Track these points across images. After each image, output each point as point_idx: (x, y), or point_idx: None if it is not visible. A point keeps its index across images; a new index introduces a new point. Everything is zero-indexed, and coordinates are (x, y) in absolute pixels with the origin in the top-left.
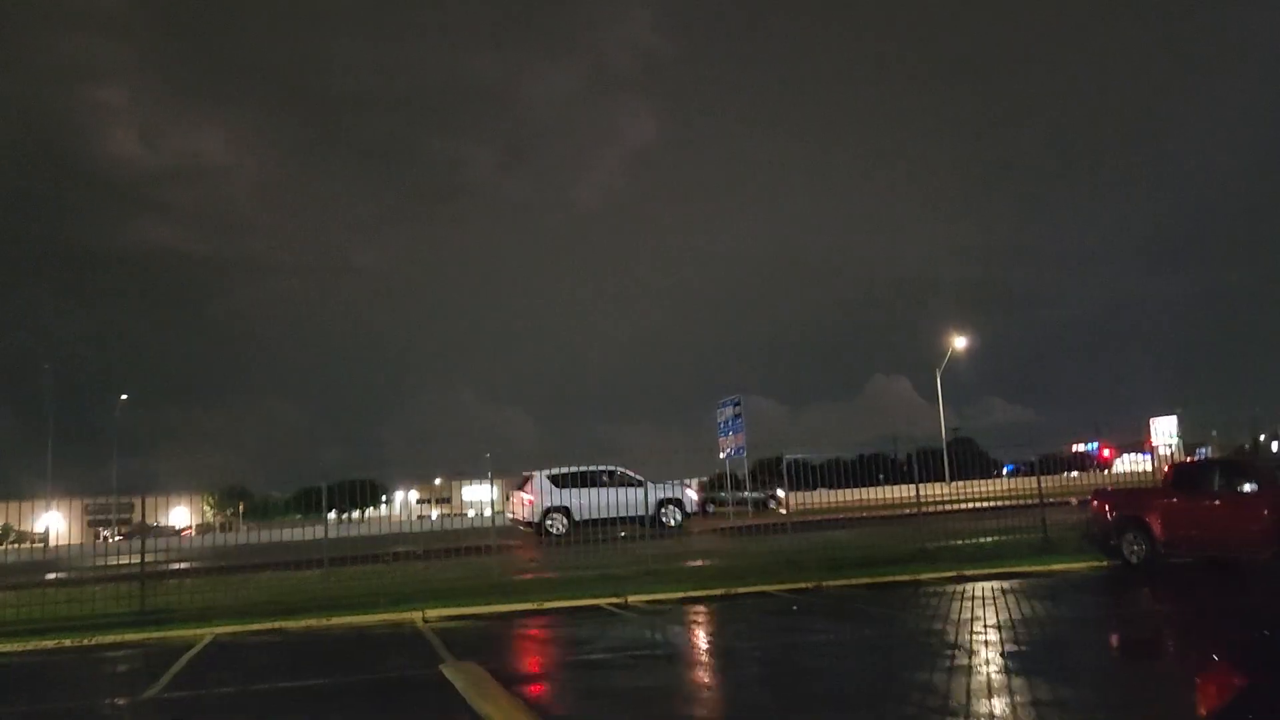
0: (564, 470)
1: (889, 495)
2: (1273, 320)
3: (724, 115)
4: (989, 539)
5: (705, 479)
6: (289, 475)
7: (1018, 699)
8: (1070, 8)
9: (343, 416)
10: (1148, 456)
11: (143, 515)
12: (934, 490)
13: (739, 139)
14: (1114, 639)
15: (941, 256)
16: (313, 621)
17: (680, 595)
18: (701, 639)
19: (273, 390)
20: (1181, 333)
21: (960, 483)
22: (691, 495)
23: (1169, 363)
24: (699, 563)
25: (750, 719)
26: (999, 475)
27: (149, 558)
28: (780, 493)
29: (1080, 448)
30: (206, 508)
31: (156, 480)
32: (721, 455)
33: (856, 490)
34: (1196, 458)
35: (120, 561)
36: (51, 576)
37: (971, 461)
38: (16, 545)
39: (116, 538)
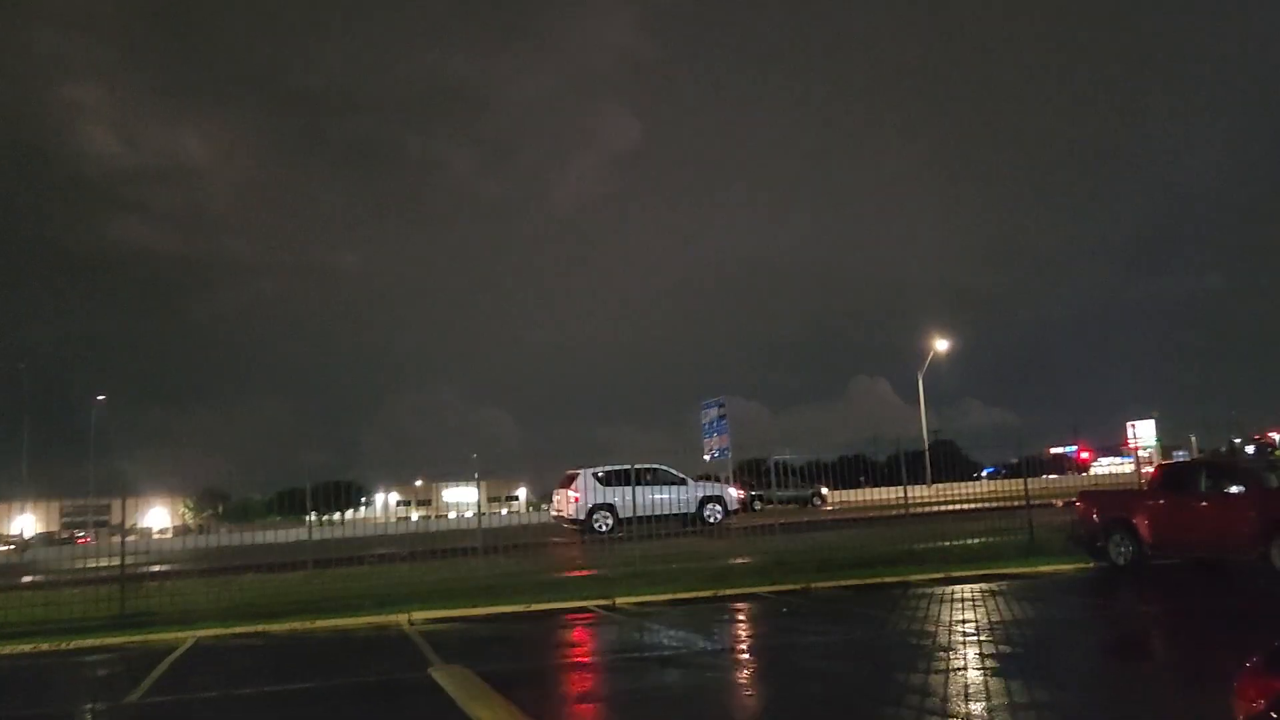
0: (609, 468)
1: (875, 497)
2: (1249, 324)
3: (705, 118)
4: (976, 540)
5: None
6: (268, 477)
7: (1008, 703)
8: (1049, 14)
9: (322, 418)
10: (1126, 459)
11: (124, 517)
12: (916, 492)
13: (720, 142)
14: (1104, 641)
15: (921, 259)
16: (297, 624)
17: (669, 597)
18: (693, 642)
19: (252, 391)
20: (1159, 336)
21: (942, 485)
22: (733, 493)
23: (1146, 366)
24: (689, 564)
25: None
26: (978, 477)
27: (126, 560)
28: (825, 490)
29: (1058, 450)
30: (185, 509)
31: (134, 482)
32: (706, 457)
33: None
34: (1176, 460)
35: (100, 564)
36: (28, 579)
37: (952, 464)
38: None
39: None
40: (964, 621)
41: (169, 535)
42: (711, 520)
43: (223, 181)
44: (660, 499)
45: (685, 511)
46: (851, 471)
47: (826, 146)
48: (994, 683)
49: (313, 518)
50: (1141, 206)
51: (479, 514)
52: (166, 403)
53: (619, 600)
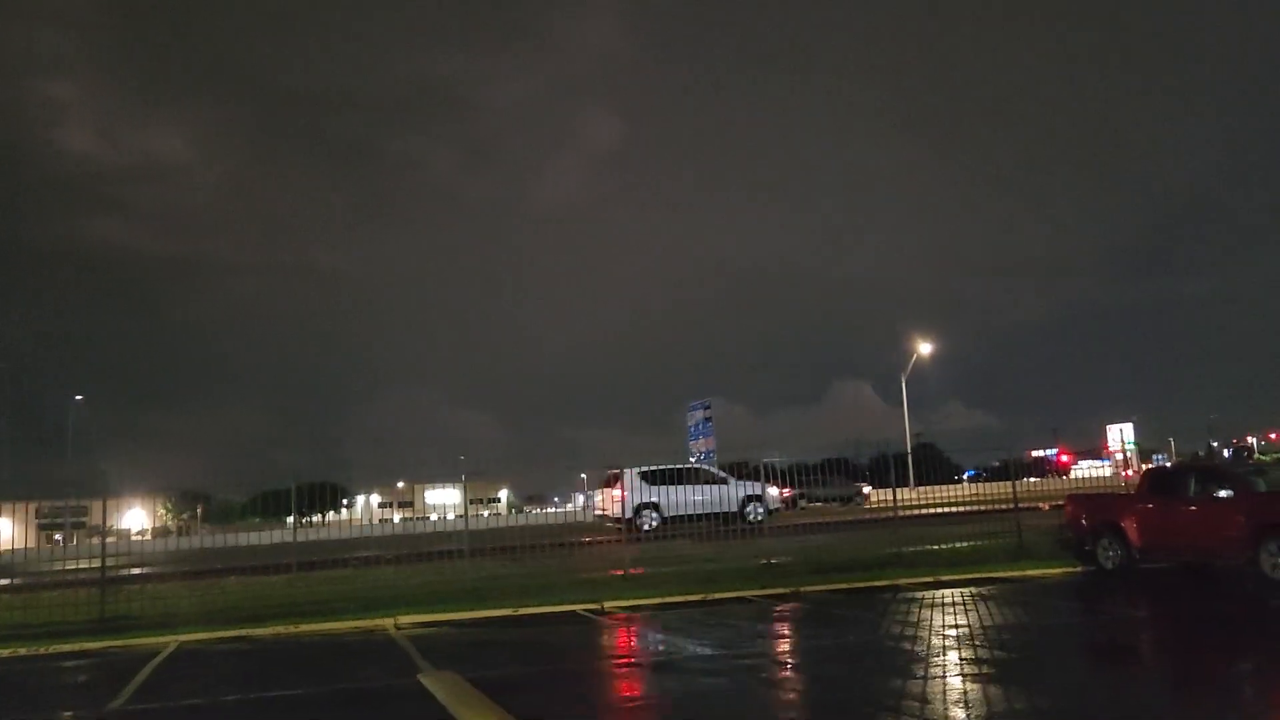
0: (653, 467)
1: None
2: (1227, 330)
3: (688, 121)
4: (964, 544)
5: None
6: (248, 478)
7: (998, 709)
8: (1031, 21)
9: (303, 418)
10: (1106, 462)
11: (104, 519)
12: (899, 495)
13: (703, 145)
14: (1093, 646)
15: (903, 263)
16: (281, 628)
17: (658, 601)
18: (683, 648)
19: (232, 392)
20: (1138, 341)
21: (925, 487)
22: (773, 492)
23: (1125, 370)
24: (681, 567)
25: None
26: (959, 480)
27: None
28: (866, 489)
29: (1038, 453)
30: (164, 511)
31: (112, 483)
32: (692, 459)
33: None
34: (1155, 463)
35: (79, 565)
36: (4, 582)
37: (935, 466)
38: None
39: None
40: (953, 626)
41: (148, 537)
42: (753, 519)
43: (204, 180)
44: (703, 498)
45: (727, 510)
46: (835, 474)
47: (810, 150)
48: (982, 689)
49: (293, 520)
50: (1122, 214)
51: (464, 515)
52: (145, 403)
53: (608, 604)
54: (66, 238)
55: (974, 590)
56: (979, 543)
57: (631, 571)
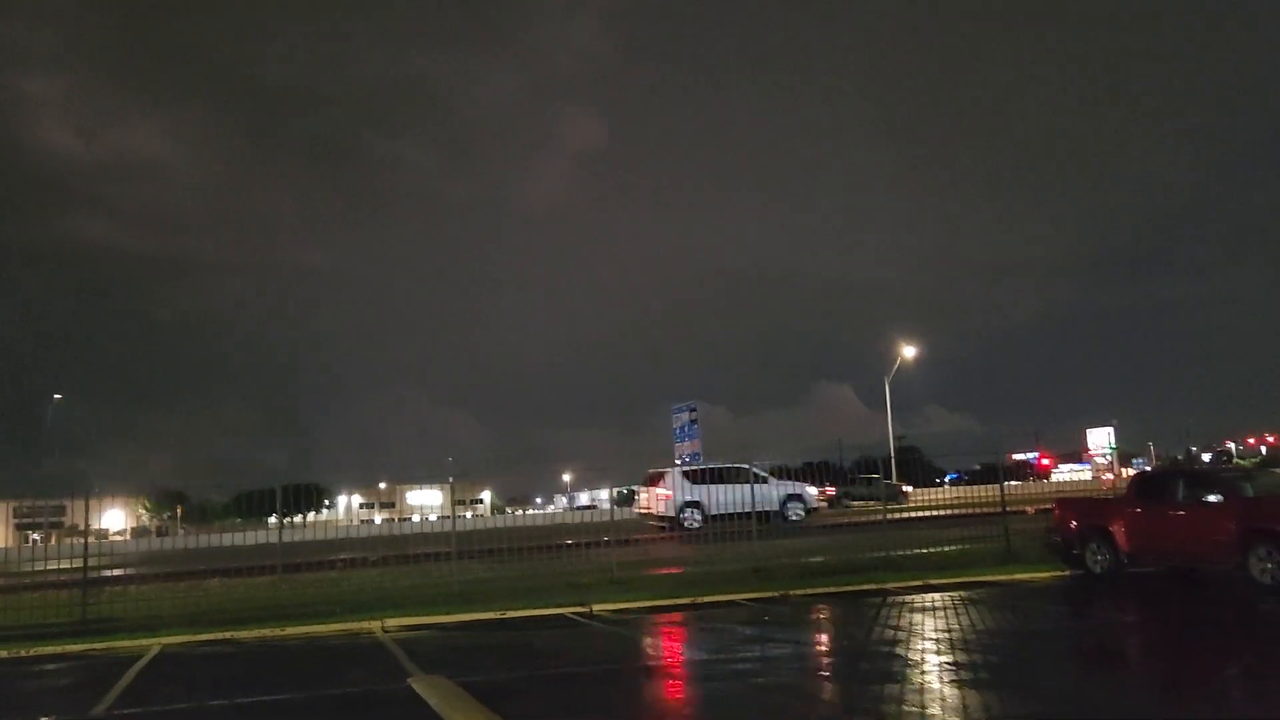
0: (696, 466)
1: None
2: (1206, 336)
3: (670, 122)
4: (952, 547)
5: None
6: (229, 478)
7: (986, 713)
8: (1025, 23)
9: (283, 418)
10: (1086, 466)
11: (86, 519)
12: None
13: (685, 147)
14: (1084, 650)
15: (884, 266)
16: (266, 631)
17: (647, 604)
18: (676, 651)
19: (212, 391)
20: (1118, 345)
21: (911, 489)
22: (811, 491)
23: (1105, 374)
24: (670, 570)
25: None
26: (941, 483)
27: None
28: (907, 488)
29: (1020, 456)
30: (143, 511)
31: (91, 482)
32: (677, 461)
33: None
34: (1135, 467)
35: (58, 566)
36: None
37: (917, 469)
38: None
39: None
40: (941, 630)
41: (126, 537)
42: (793, 517)
43: (185, 179)
44: (745, 497)
45: (768, 509)
46: (818, 476)
47: (792, 152)
48: (971, 695)
49: (274, 520)
50: (1103, 220)
51: (451, 516)
52: (124, 401)
53: (596, 607)
54: (45, 235)
55: (963, 594)
56: (967, 546)
57: (672, 570)
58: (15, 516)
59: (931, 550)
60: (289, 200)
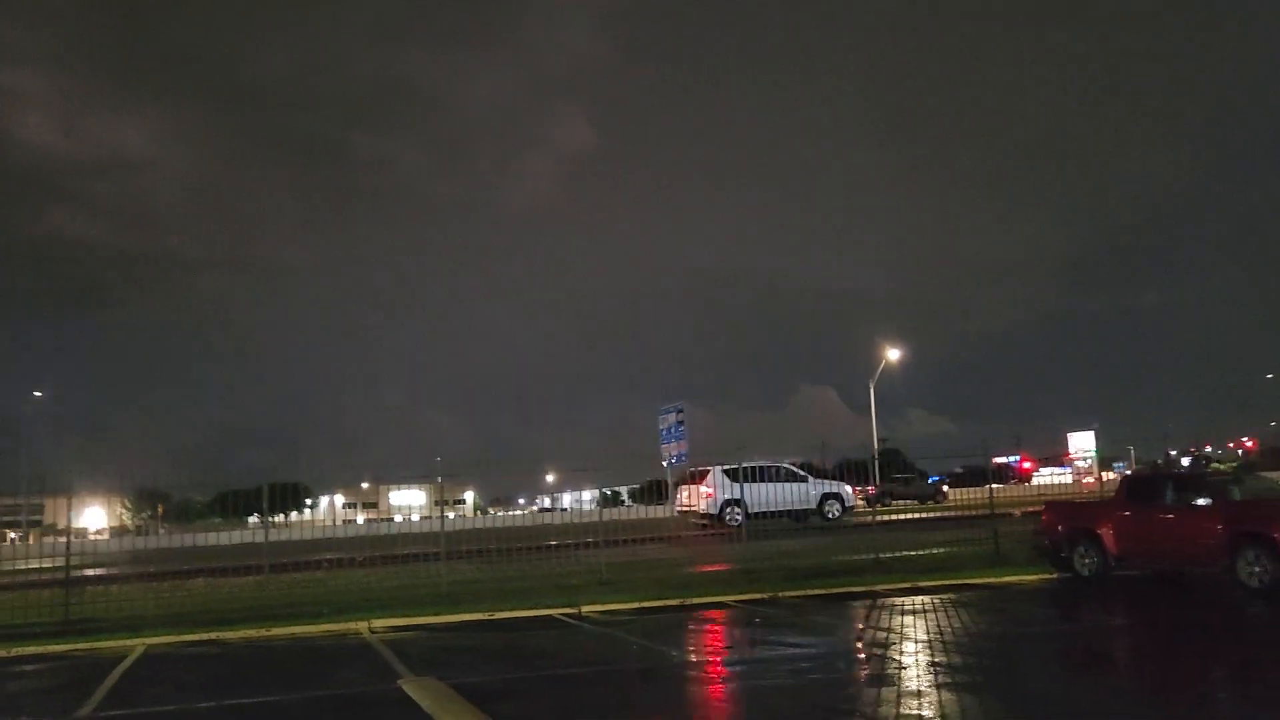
0: (737, 465)
1: None
2: (1185, 340)
3: (658, 123)
4: (941, 550)
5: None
6: (209, 477)
7: (973, 716)
8: (993, 38)
9: (265, 417)
10: (1067, 469)
11: (69, 517)
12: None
13: (671, 149)
14: (1074, 653)
15: (864, 270)
16: (252, 631)
17: (636, 606)
18: (666, 654)
19: (193, 389)
20: (1098, 349)
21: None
22: (848, 490)
23: (1086, 378)
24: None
25: None
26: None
27: (54, 562)
28: (946, 487)
29: (1001, 460)
30: (122, 510)
31: (69, 480)
32: (664, 463)
33: None
34: (1115, 471)
35: (36, 565)
36: None
37: (900, 472)
38: None
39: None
40: (929, 634)
41: (105, 536)
42: (830, 516)
43: (166, 176)
44: (785, 495)
45: (807, 507)
46: (854, 475)
47: (779, 155)
48: (959, 698)
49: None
50: (1082, 224)
51: (441, 516)
52: (103, 399)
53: (585, 609)
54: (24, 231)
55: (952, 597)
56: (955, 549)
57: (707, 568)
58: None
59: (920, 552)
60: (274, 198)
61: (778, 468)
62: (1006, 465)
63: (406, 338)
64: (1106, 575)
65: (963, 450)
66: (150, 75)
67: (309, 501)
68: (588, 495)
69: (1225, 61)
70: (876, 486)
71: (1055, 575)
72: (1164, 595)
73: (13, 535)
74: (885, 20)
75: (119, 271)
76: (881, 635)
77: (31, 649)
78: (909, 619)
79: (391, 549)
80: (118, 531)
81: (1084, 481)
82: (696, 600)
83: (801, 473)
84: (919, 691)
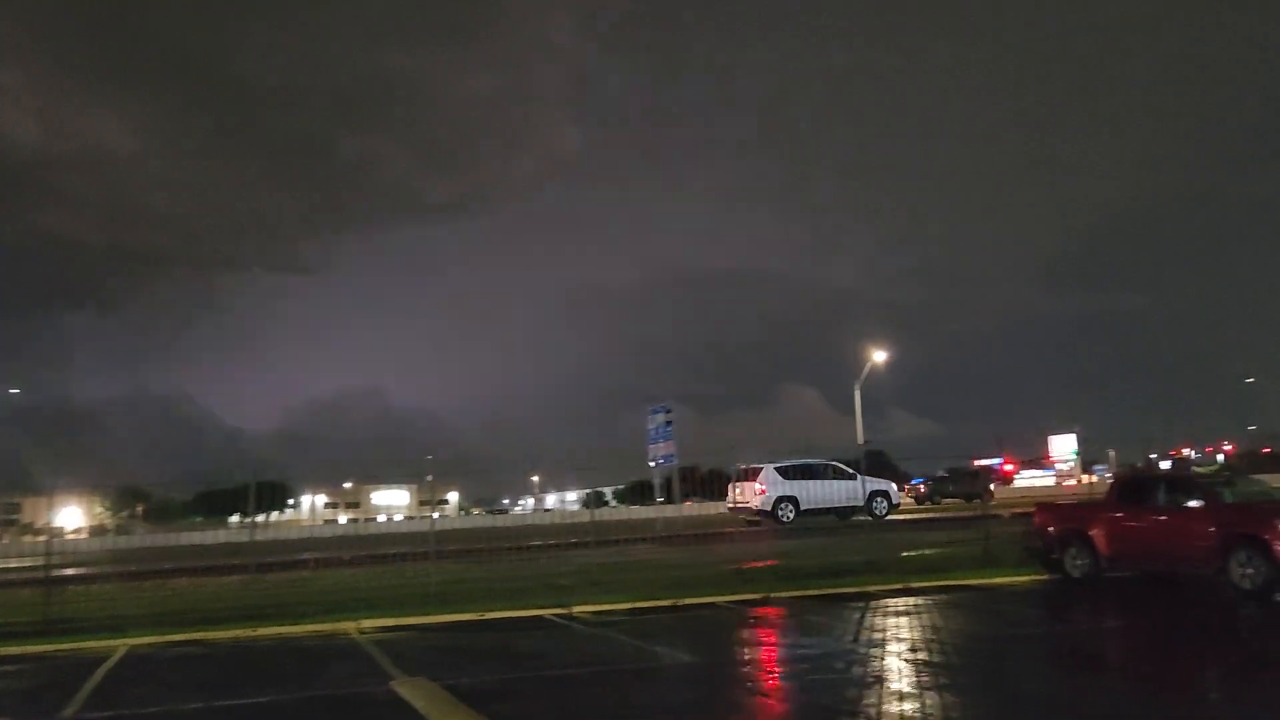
0: (788, 463)
1: None
2: (1166, 343)
3: (641, 125)
4: (933, 550)
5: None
6: (189, 476)
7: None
8: (973, 37)
9: (251, 417)
10: (1049, 471)
11: (50, 516)
12: None
13: (658, 150)
14: (1067, 655)
15: (847, 272)
16: (238, 632)
17: (628, 606)
18: (661, 655)
19: (177, 387)
20: (1080, 352)
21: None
22: (894, 487)
23: (1068, 381)
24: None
25: None
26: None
27: (34, 562)
28: (992, 485)
29: (983, 462)
30: (101, 509)
31: (45, 479)
32: (651, 463)
33: None
34: (1095, 473)
35: (14, 564)
36: None
37: (883, 473)
38: None
39: None
40: (921, 635)
41: (84, 535)
42: (878, 512)
43: (151, 173)
44: (834, 493)
45: (856, 504)
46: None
47: (759, 158)
48: (950, 699)
49: (236, 519)
50: (1065, 228)
51: (432, 516)
52: (83, 397)
53: (576, 609)
54: (4, 226)
55: (944, 598)
56: (947, 550)
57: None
58: None
59: (912, 554)
60: (258, 196)
61: (827, 465)
62: (989, 467)
63: (394, 335)
64: (1098, 577)
65: (946, 452)
66: (137, 73)
67: (290, 501)
68: (572, 495)
69: (1203, 66)
70: (928, 485)
71: (1046, 577)
72: (1156, 597)
73: None
74: (870, 26)
75: (102, 268)
76: (875, 636)
77: (12, 649)
78: (903, 620)
79: (376, 549)
80: (96, 530)
81: (1065, 484)
82: (689, 601)
83: (849, 470)
84: (910, 693)
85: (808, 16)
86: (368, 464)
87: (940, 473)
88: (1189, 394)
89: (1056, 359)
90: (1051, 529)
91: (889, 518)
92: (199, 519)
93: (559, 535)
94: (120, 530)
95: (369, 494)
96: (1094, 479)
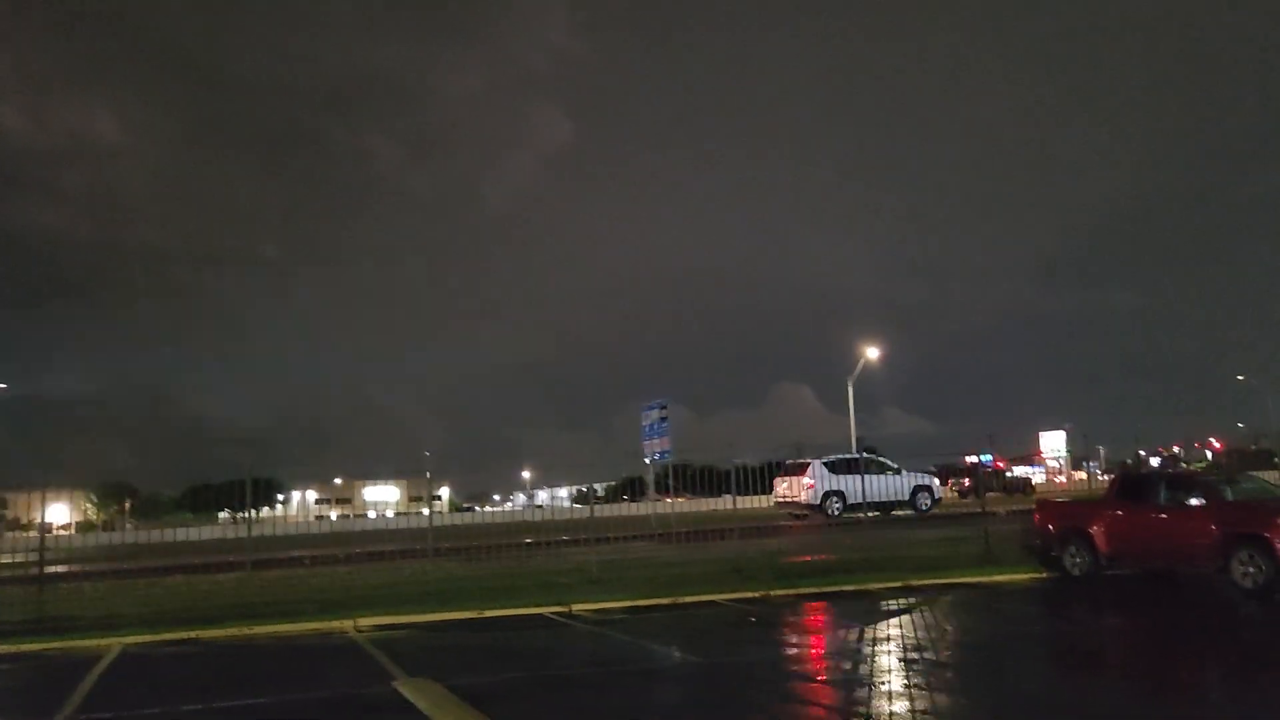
0: (836, 458)
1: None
2: (1156, 342)
3: (635, 121)
4: (931, 549)
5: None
6: (177, 472)
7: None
8: (968, 36)
9: (238, 412)
10: (1038, 469)
11: (43, 512)
12: None
13: (650, 147)
14: (1068, 653)
15: (842, 269)
16: (233, 630)
17: (627, 604)
18: (666, 655)
19: (165, 384)
20: (1069, 350)
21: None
22: (937, 482)
23: (1058, 379)
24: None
25: None
26: None
27: (28, 557)
28: (1035, 479)
29: (974, 459)
30: (88, 504)
31: (30, 474)
32: (646, 459)
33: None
34: (1086, 470)
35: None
36: None
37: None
38: None
39: None
40: (921, 634)
41: (70, 531)
42: (922, 507)
43: (140, 166)
44: (880, 487)
45: (900, 499)
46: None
47: (756, 153)
48: (950, 700)
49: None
50: (1057, 226)
51: (429, 513)
52: (71, 392)
53: (576, 607)
54: None
55: (944, 596)
56: (946, 548)
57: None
58: None
59: (911, 552)
60: (248, 191)
61: (871, 460)
62: (979, 464)
63: (383, 333)
64: (1097, 575)
65: (937, 450)
66: (124, 64)
67: (280, 497)
68: (564, 492)
69: (1203, 66)
70: (972, 480)
71: (1045, 575)
72: (1156, 595)
73: None
74: (870, 25)
75: (90, 262)
76: (875, 634)
77: (4, 648)
78: (903, 618)
79: (369, 545)
80: (83, 527)
81: (1056, 480)
82: (688, 599)
83: (894, 465)
84: (910, 692)
85: (808, 15)
86: (357, 460)
87: (930, 469)
88: (1182, 392)
89: (1052, 357)
90: (1051, 527)
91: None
92: (188, 515)
93: (554, 532)
94: (108, 526)
95: (360, 490)
96: (1084, 476)
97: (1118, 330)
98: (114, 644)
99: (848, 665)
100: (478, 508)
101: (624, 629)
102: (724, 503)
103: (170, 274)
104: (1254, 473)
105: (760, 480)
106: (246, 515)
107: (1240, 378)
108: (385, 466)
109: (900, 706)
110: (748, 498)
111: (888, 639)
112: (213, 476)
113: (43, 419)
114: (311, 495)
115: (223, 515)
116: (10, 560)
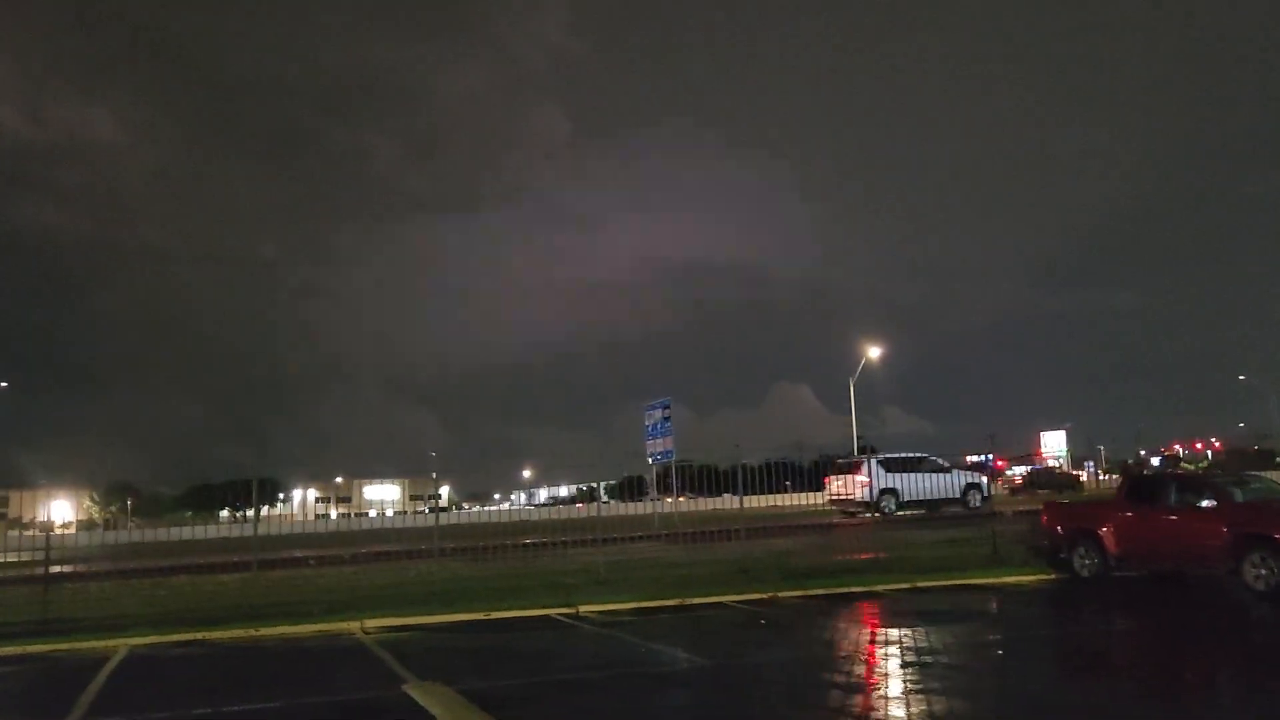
0: (890, 456)
1: (809, 501)
2: (1156, 341)
3: (633, 119)
4: (939, 550)
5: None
6: (178, 471)
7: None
8: (965, 36)
9: (237, 412)
10: (1038, 468)
11: (48, 511)
12: None
13: (647, 145)
14: (1078, 655)
15: (842, 269)
16: (240, 632)
17: (634, 606)
18: (674, 656)
19: (163, 383)
20: (1071, 350)
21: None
22: (985, 480)
23: (1058, 378)
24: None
25: None
26: None
27: (33, 557)
28: (1084, 476)
29: (974, 458)
30: (90, 504)
31: (32, 473)
32: (649, 459)
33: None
34: (1086, 469)
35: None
36: None
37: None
38: None
39: None
40: (928, 636)
41: (71, 530)
42: (972, 504)
43: (137, 165)
44: (934, 485)
45: (951, 496)
46: (778, 477)
47: (752, 155)
48: (957, 703)
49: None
50: (1057, 226)
51: (436, 512)
52: (71, 391)
53: (583, 608)
54: None
55: (951, 598)
56: (953, 549)
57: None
58: None
59: (919, 553)
60: (247, 189)
61: (923, 458)
62: (980, 463)
63: (382, 332)
64: (1106, 576)
65: (937, 450)
66: (124, 64)
67: (281, 496)
68: (564, 492)
69: (1203, 66)
70: (1024, 477)
71: (1054, 576)
72: (1166, 597)
73: None
74: (870, 25)
75: (88, 261)
76: (884, 636)
77: (10, 649)
78: (910, 620)
79: (371, 544)
80: (85, 525)
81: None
82: (696, 600)
83: (945, 464)
84: (918, 693)
85: (807, 15)
86: (357, 460)
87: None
88: (1182, 392)
89: (1052, 357)
90: (1059, 528)
91: (895, 517)
92: (189, 514)
93: (557, 532)
94: (109, 525)
95: (360, 489)
96: (1084, 474)
97: (1118, 330)
98: (121, 645)
99: (858, 668)
100: (479, 507)
101: (632, 630)
102: (724, 502)
103: (170, 273)
104: (1259, 473)
105: (763, 480)
106: (251, 515)
107: (1241, 378)
108: (386, 466)
109: (912, 710)
110: (749, 498)
111: (898, 641)
112: (214, 476)
113: (42, 418)
114: (312, 494)
115: (224, 514)
116: (11, 559)
